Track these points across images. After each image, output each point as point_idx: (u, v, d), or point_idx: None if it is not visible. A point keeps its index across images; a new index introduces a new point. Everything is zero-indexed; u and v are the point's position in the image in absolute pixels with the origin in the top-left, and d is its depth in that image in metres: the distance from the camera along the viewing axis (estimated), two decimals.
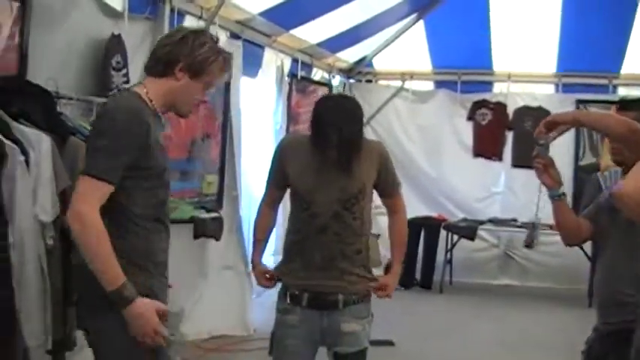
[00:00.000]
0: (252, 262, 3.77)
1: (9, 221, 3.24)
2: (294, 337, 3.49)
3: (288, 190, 3.63)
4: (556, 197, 3.23)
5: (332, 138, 3.33)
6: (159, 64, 2.77)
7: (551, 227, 7.16)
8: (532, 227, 8.41)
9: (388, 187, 3.64)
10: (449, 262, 9.61)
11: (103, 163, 2.54)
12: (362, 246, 3.51)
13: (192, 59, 2.74)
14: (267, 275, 3.67)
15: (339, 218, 3.41)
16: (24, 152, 3.35)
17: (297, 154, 3.51)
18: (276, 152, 3.66)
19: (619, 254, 3.23)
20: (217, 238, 5.83)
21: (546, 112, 8.23)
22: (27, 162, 3.36)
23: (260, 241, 3.78)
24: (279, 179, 3.61)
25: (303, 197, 3.45)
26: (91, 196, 2.52)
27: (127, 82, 5.00)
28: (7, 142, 3.29)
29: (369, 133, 9.07)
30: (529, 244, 8.52)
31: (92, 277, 2.55)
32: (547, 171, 3.18)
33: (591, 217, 3.32)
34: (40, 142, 3.46)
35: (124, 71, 5.00)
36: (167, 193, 2.83)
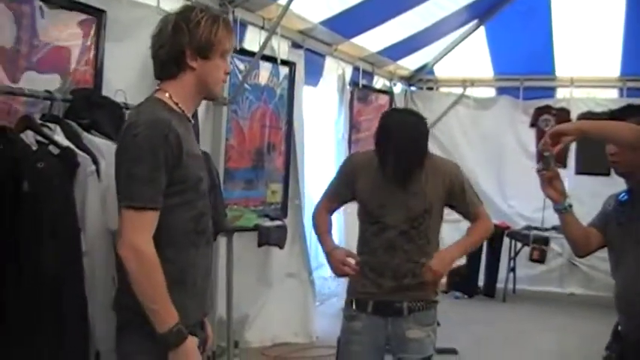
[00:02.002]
0: (327, 250, 3.62)
1: (81, 229, 3.30)
2: (359, 344, 3.54)
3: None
4: (562, 210, 3.16)
5: (390, 153, 3.38)
6: (169, 66, 2.59)
7: None
8: None
9: (467, 208, 3.63)
10: (512, 270, 9.51)
11: (145, 190, 2.41)
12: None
13: (197, 42, 2.54)
14: (350, 258, 3.54)
15: (406, 236, 3.45)
16: (95, 162, 3.41)
17: (366, 172, 3.55)
18: (344, 168, 3.72)
19: (635, 266, 3.13)
20: (281, 247, 5.87)
21: None
22: (98, 172, 3.42)
23: (325, 232, 3.71)
24: (341, 193, 3.67)
25: (371, 213, 3.50)
26: (142, 227, 2.41)
27: None
28: (79, 152, 3.36)
29: (430, 142, 9.05)
30: None
31: (130, 293, 2.45)
32: (551, 184, 3.13)
33: (600, 227, 3.28)
34: (111, 152, 3.50)
35: None
36: (205, 204, 2.65)
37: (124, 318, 2.62)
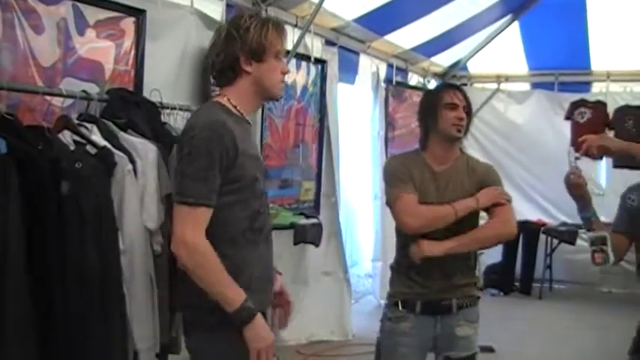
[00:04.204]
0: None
1: (119, 228, 3.33)
2: (406, 345, 3.48)
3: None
4: (591, 217, 3.21)
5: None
6: (226, 73, 2.73)
7: None
8: None
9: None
10: (548, 267, 9.43)
11: (198, 187, 2.51)
12: (474, 260, 3.55)
13: (249, 47, 2.67)
14: None
15: (451, 234, 3.35)
16: (132, 161, 3.43)
17: (412, 172, 3.45)
18: (398, 169, 3.48)
19: None
20: (317, 245, 5.85)
21: None
22: (134, 170, 3.44)
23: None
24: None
25: None
26: (194, 223, 2.51)
27: None
28: (115, 151, 3.38)
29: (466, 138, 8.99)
30: None
31: (191, 292, 2.59)
32: (580, 188, 3.12)
33: (625, 228, 3.29)
34: (147, 151, 3.54)
35: None
36: (262, 203, 2.76)
37: (190, 316, 2.72)
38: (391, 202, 3.45)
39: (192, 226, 2.51)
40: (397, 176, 3.45)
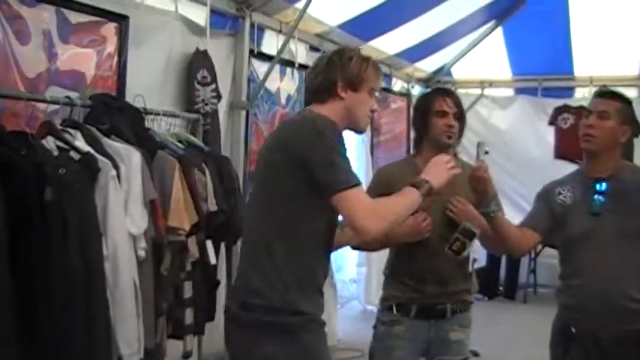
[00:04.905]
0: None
1: (103, 234, 3.32)
2: (401, 349, 3.50)
3: None
4: (491, 213, 3.22)
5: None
6: (321, 93, 2.80)
7: None
8: None
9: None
10: (533, 271, 9.45)
11: (349, 172, 2.58)
12: (468, 267, 3.56)
13: (349, 74, 2.77)
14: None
15: (445, 239, 3.37)
16: (115, 167, 3.43)
17: (403, 180, 3.47)
18: (379, 184, 3.56)
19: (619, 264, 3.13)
20: None
21: None
22: (118, 176, 3.44)
23: None
24: None
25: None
26: (364, 199, 2.59)
27: (218, 96, 5.12)
28: (99, 157, 3.38)
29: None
30: None
31: (277, 295, 2.65)
32: (484, 180, 3.15)
33: (542, 224, 3.35)
34: (131, 157, 3.54)
35: (213, 86, 5.08)
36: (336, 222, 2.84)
37: (269, 320, 2.69)
38: None
39: (363, 202, 2.57)
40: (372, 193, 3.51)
